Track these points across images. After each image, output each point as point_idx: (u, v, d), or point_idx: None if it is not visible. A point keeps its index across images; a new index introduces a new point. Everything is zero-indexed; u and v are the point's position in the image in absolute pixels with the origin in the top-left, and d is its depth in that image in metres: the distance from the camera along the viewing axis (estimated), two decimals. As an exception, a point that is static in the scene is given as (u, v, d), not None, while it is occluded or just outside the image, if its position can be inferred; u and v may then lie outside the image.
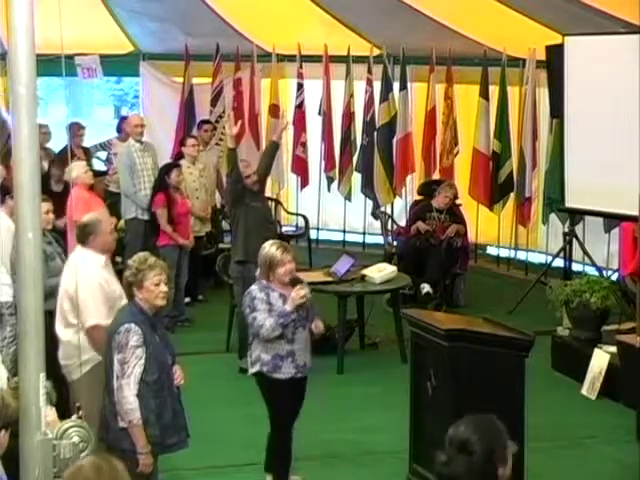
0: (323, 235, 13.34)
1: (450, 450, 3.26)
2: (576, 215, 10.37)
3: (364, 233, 13.05)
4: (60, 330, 5.96)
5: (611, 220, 10.09)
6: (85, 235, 6.08)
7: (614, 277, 9.99)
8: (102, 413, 5.27)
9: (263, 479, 6.54)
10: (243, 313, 6.17)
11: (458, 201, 11.03)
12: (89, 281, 5.87)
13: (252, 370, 6.13)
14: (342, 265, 8.89)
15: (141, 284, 5.20)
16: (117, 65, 12.73)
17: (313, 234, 12.93)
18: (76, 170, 8.83)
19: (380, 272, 8.92)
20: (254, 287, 6.11)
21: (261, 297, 6.02)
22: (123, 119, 12.23)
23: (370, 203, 12.52)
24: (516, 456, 3.41)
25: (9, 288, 6.86)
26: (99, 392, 5.57)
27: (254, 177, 8.51)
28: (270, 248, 6.17)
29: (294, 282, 6.10)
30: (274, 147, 9.07)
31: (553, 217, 11.08)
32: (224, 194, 8.78)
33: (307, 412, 6.59)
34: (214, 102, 12.57)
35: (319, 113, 12.73)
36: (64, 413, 5.47)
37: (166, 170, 9.81)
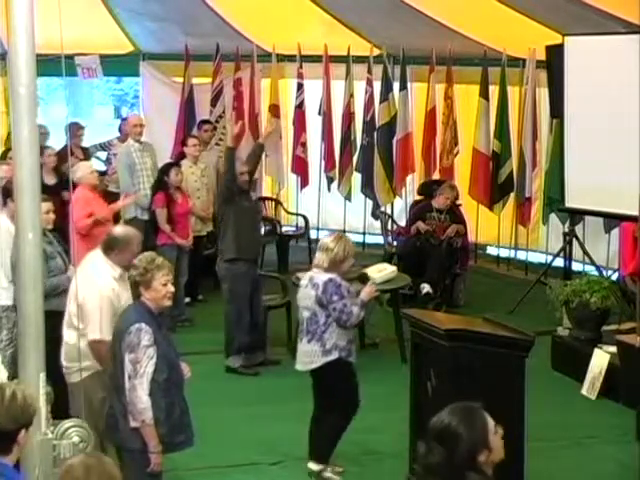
0: (323, 235, 13.31)
1: (430, 440, 3.31)
2: (576, 215, 10.37)
3: (364, 233, 13.05)
4: (65, 331, 5.96)
5: (611, 220, 10.09)
6: (110, 247, 6.04)
7: (614, 277, 9.99)
8: (109, 414, 5.26)
9: (263, 479, 6.56)
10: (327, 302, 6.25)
11: (458, 201, 11.03)
12: (100, 293, 5.81)
13: (328, 358, 6.29)
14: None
15: (149, 284, 5.18)
16: (117, 65, 12.73)
17: (313, 234, 12.92)
18: (81, 170, 8.84)
19: (380, 272, 8.91)
20: (333, 276, 6.27)
21: (345, 285, 6.31)
22: (124, 120, 12.24)
23: (370, 203, 12.52)
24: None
25: (6, 292, 6.86)
26: (98, 397, 5.58)
27: (246, 176, 8.59)
28: (347, 242, 6.43)
29: (362, 278, 6.72)
30: (259, 148, 9.20)
31: (553, 217, 11.08)
32: (216, 192, 8.92)
33: (308, 411, 6.59)
34: (214, 102, 12.56)
35: (319, 113, 12.73)
36: (65, 412, 5.51)
37: (165, 170, 9.82)
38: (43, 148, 10.34)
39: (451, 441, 3.30)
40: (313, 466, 6.49)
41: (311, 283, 6.35)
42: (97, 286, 5.84)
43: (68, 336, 5.87)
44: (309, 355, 6.38)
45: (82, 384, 5.76)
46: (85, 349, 5.78)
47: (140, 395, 5.02)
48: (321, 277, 6.30)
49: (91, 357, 5.78)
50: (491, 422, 3.41)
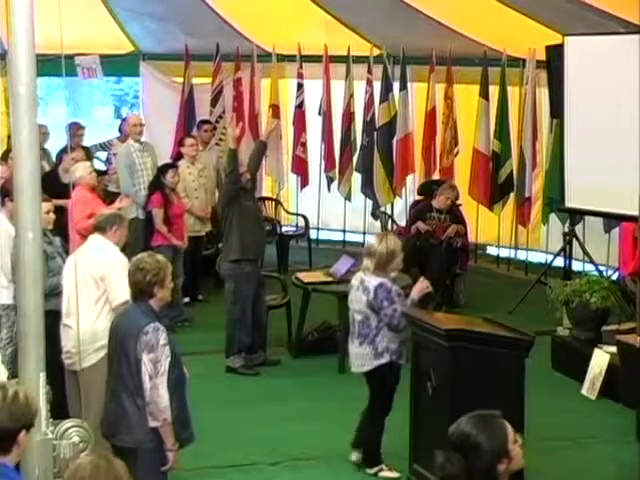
0: (323, 235, 13.34)
1: (448, 450, 3.27)
2: (576, 215, 10.37)
3: (364, 233, 13.04)
4: (72, 319, 5.96)
5: (611, 220, 10.09)
6: (109, 224, 6.42)
7: (614, 277, 9.99)
8: (117, 416, 5.17)
9: (263, 479, 6.56)
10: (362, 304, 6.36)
11: (458, 201, 11.02)
12: (118, 261, 6.23)
13: (380, 361, 6.36)
14: (342, 265, 8.88)
15: (163, 282, 5.17)
16: (117, 65, 12.74)
17: (313, 234, 12.94)
18: (80, 171, 8.85)
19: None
20: (383, 280, 6.36)
21: (396, 289, 6.38)
22: (124, 120, 12.24)
23: (370, 203, 12.52)
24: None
25: (6, 291, 6.86)
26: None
27: (247, 175, 8.60)
28: (390, 240, 6.47)
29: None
30: (262, 147, 9.17)
31: (553, 217, 11.08)
32: (220, 193, 8.92)
33: (308, 411, 6.60)
34: (214, 102, 12.57)
35: (319, 113, 12.73)
36: (63, 410, 5.51)
37: (162, 170, 9.81)
38: (71, 149, 10.43)
39: (471, 451, 3.25)
40: (370, 470, 6.59)
41: (362, 286, 6.42)
42: (112, 255, 6.32)
43: (74, 323, 5.83)
44: (361, 358, 6.47)
45: (99, 365, 5.83)
46: (98, 330, 5.99)
47: (162, 394, 5.01)
48: (372, 281, 6.37)
49: (105, 336, 5.70)
50: (511, 431, 3.34)
